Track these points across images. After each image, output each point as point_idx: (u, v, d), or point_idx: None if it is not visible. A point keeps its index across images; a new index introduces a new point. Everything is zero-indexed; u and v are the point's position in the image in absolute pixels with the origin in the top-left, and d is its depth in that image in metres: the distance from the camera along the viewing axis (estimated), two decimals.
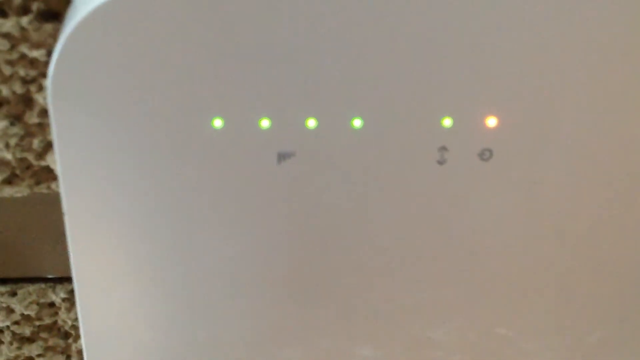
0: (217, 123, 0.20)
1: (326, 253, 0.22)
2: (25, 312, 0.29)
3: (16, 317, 0.29)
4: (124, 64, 0.19)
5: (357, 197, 0.21)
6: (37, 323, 0.29)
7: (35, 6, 0.22)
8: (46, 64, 0.23)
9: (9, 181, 0.25)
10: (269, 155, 0.20)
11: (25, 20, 0.22)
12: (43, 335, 0.29)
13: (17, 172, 0.25)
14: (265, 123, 0.20)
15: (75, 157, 0.20)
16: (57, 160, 0.20)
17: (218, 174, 0.20)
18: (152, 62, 0.19)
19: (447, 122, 0.20)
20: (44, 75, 0.23)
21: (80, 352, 0.30)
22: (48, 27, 0.22)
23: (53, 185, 0.25)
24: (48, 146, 0.24)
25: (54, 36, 0.22)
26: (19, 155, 0.25)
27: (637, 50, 0.19)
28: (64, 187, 0.20)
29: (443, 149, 0.20)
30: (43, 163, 0.25)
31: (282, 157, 0.20)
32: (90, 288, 0.22)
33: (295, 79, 0.19)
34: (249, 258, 0.22)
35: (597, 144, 0.20)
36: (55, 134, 0.20)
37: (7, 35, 0.22)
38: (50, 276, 0.28)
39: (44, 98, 0.23)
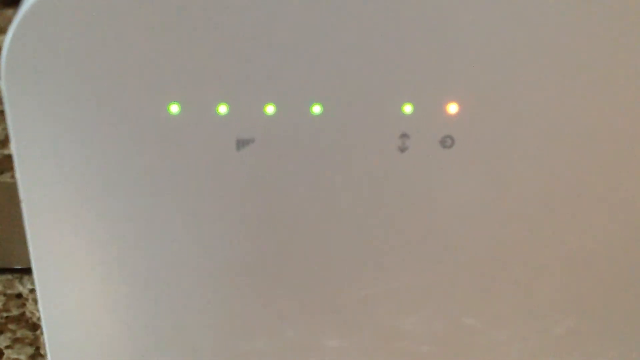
0: (174, 109, 0.19)
1: (289, 242, 0.22)
2: None
3: None
4: (78, 49, 0.18)
5: (318, 185, 0.21)
6: (5, 314, 0.29)
7: None
8: None
9: None
10: (228, 141, 0.20)
11: None
12: (11, 326, 0.29)
13: None
14: (222, 109, 0.19)
15: (30, 144, 0.20)
16: (12, 147, 0.20)
17: (176, 161, 0.20)
18: (106, 47, 0.18)
19: (407, 108, 0.20)
20: None
21: None
22: (9, 12, 0.22)
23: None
24: None
25: None
26: None
27: (599, 35, 0.19)
28: (20, 174, 0.20)
29: (404, 136, 0.20)
30: (6, 152, 0.25)
31: (241, 143, 0.20)
32: (50, 277, 0.22)
33: (253, 64, 0.19)
34: (209, 247, 0.22)
35: (559, 129, 0.20)
36: (9, 121, 0.19)
37: None
38: (16, 267, 0.28)
39: None
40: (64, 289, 0.22)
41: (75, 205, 0.21)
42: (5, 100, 0.19)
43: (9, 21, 0.22)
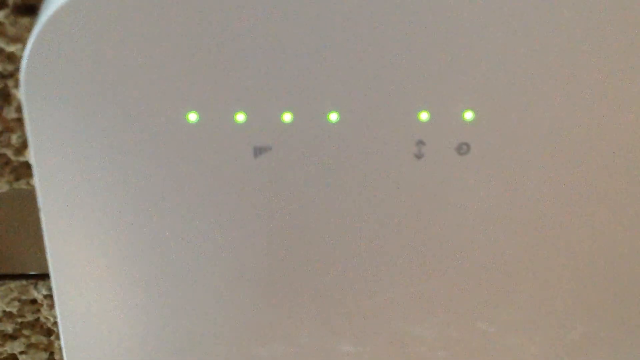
0: (192, 117, 0.19)
1: (305, 249, 0.22)
2: (7, 309, 0.29)
3: None
4: (97, 57, 0.18)
5: (334, 192, 0.21)
6: (19, 320, 0.29)
7: (11, 0, 0.22)
8: None
9: None
10: (245, 149, 0.20)
11: (1, 15, 0.22)
12: (25, 332, 0.29)
13: None
14: (240, 117, 0.20)
15: (49, 152, 0.20)
16: (31, 155, 0.20)
17: (193, 169, 0.20)
18: (126, 56, 0.18)
19: (424, 115, 0.20)
20: None
21: None
22: (25, 21, 0.22)
23: (32, 181, 0.25)
24: (27, 142, 0.24)
25: (31, 30, 0.22)
26: None
27: (613, 43, 0.19)
28: (39, 182, 0.20)
29: (420, 142, 0.20)
30: (22, 159, 0.25)
31: (258, 151, 0.20)
32: (67, 284, 0.22)
33: (271, 72, 0.19)
34: (227, 254, 0.22)
35: (574, 137, 0.20)
36: (29, 129, 0.19)
37: None
38: (31, 272, 0.28)
39: None
40: (82, 295, 0.22)
41: (94, 213, 0.21)
42: (25, 109, 0.19)
43: (24, 30, 0.22)
